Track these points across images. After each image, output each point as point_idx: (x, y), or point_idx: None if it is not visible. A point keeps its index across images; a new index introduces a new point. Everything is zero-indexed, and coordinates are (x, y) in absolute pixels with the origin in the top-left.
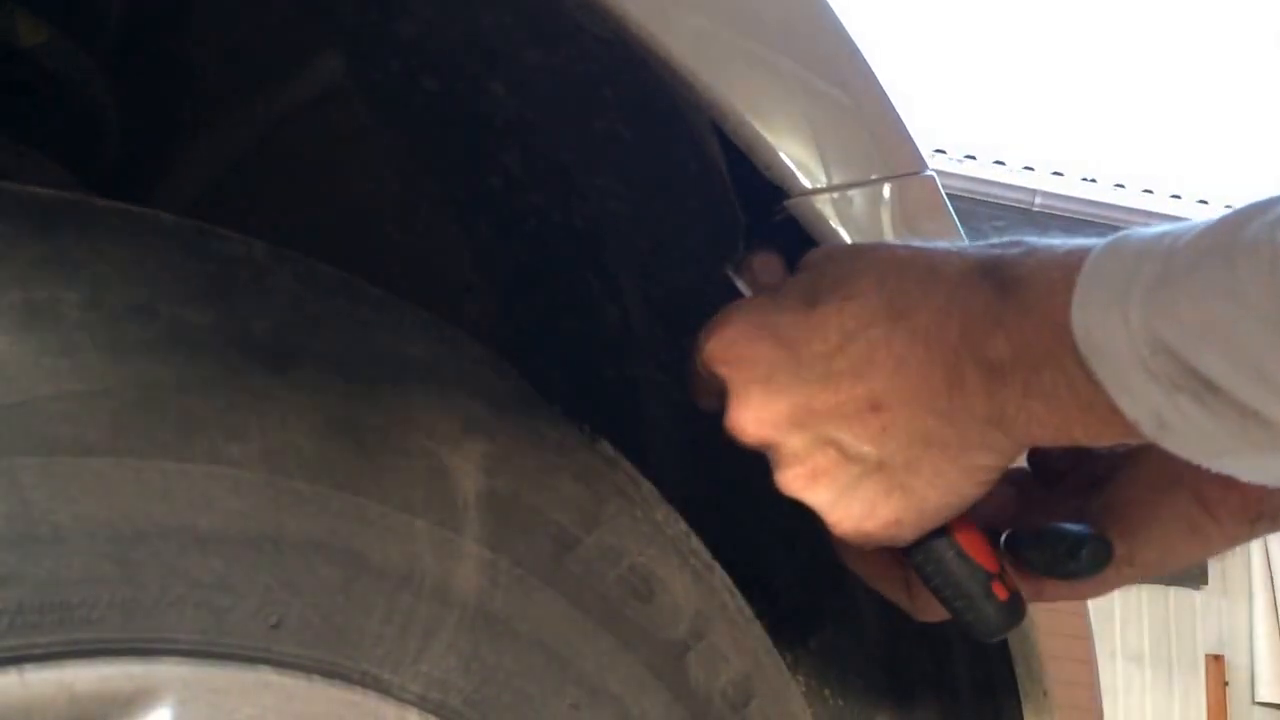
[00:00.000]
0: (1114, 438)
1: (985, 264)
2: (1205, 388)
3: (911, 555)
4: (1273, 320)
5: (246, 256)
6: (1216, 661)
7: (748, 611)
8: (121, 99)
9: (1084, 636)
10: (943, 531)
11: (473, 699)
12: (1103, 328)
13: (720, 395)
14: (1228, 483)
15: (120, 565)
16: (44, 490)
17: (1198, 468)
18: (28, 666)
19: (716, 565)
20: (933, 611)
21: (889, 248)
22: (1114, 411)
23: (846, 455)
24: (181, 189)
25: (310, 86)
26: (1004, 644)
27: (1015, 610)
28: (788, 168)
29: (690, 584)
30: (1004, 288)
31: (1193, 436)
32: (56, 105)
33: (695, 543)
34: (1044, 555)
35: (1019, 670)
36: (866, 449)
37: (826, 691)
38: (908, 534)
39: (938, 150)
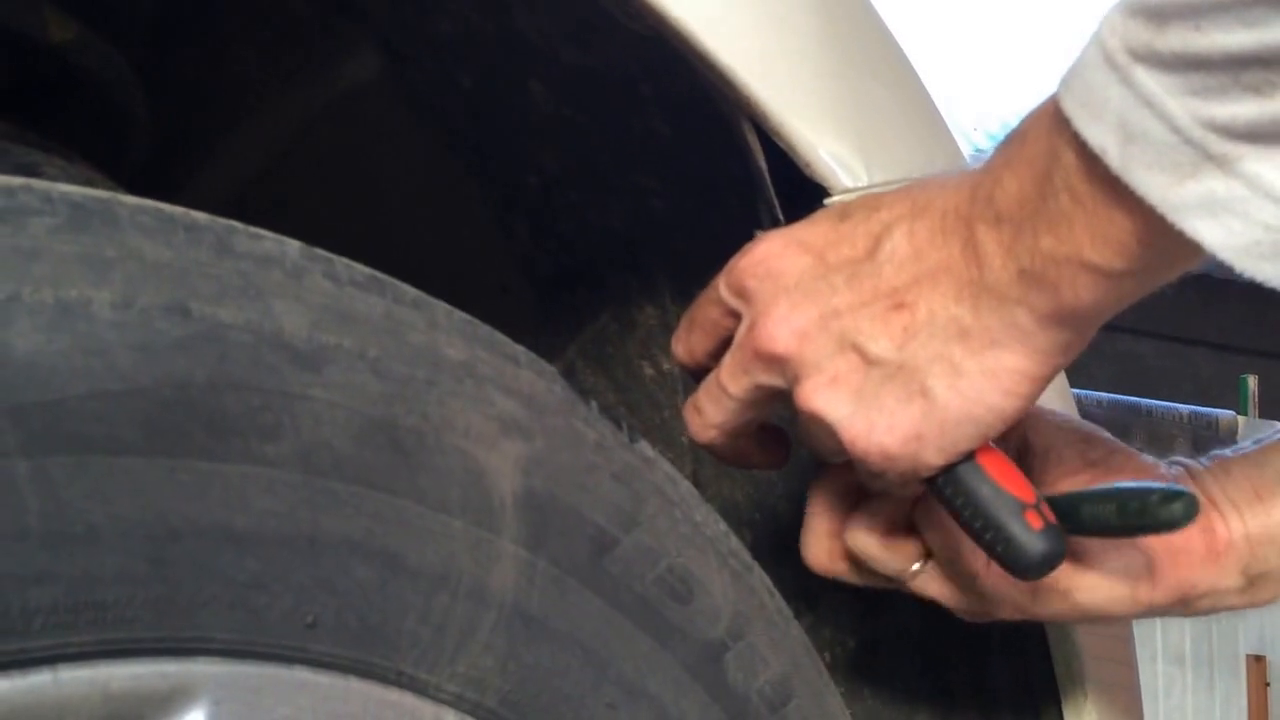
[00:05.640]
0: (1119, 249)
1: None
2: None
3: (937, 486)
4: None
5: (280, 255)
6: (1258, 662)
7: (787, 612)
8: (152, 96)
9: (1124, 638)
10: (969, 458)
11: (509, 699)
12: (1078, 63)
13: (723, 340)
14: (1175, 559)
15: (154, 564)
16: (77, 489)
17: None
18: (61, 665)
19: (756, 565)
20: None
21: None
22: (1114, 205)
23: (867, 359)
24: (214, 187)
25: (345, 83)
26: (1044, 645)
27: (1052, 543)
28: (828, 165)
29: (729, 584)
30: (1008, 138)
31: (1156, 142)
32: (86, 102)
33: (734, 543)
34: (1124, 508)
35: (1059, 671)
36: (888, 351)
37: (865, 692)
38: (930, 454)
39: (979, 150)
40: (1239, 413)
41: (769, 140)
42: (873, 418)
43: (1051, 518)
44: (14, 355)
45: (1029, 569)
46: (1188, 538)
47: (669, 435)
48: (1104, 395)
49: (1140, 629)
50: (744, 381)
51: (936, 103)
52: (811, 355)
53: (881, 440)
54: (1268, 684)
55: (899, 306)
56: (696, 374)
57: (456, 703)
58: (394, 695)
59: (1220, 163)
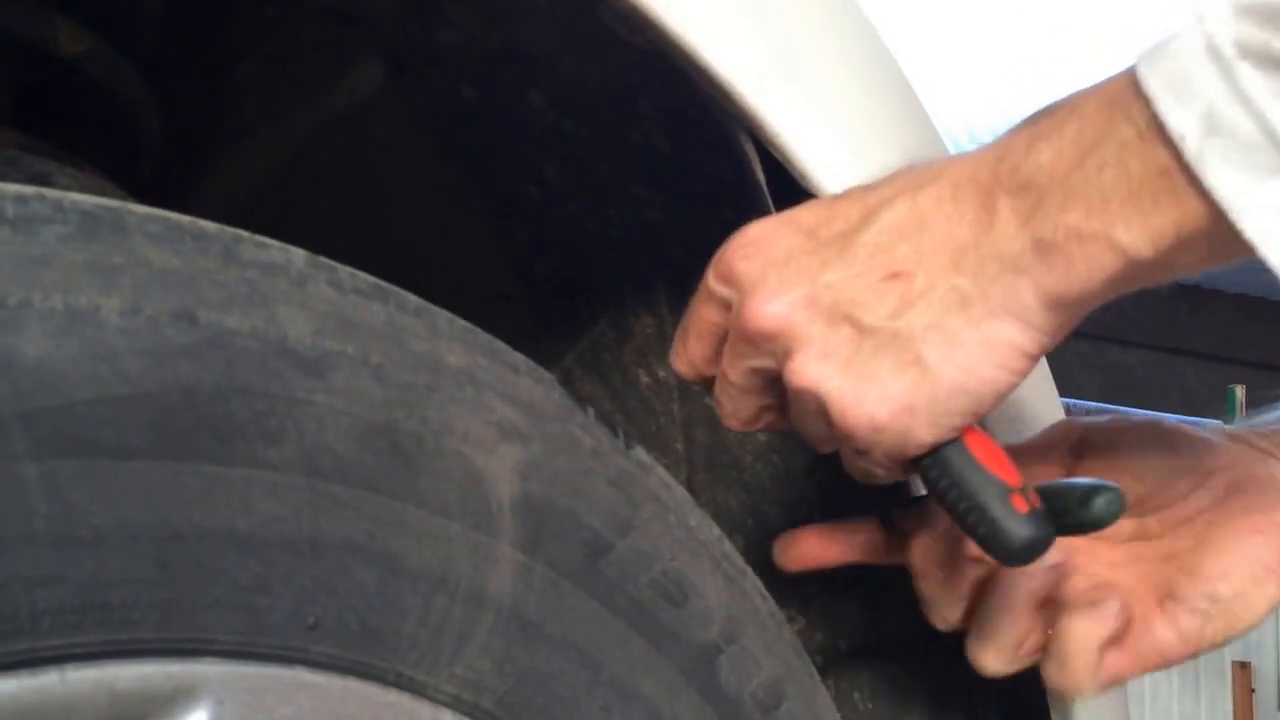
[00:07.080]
0: (1155, 236)
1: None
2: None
3: (923, 466)
4: None
5: (286, 263)
6: (1243, 669)
7: (779, 616)
8: (162, 106)
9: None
10: (956, 440)
11: (506, 700)
12: (1168, 46)
13: (720, 341)
14: None
15: (160, 567)
16: (85, 493)
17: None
18: (68, 665)
19: (749, 570)
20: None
21: None
22: (1167, 190)
23: (861, 330)
24: (221, 196)
25: (350, 95)
26: None
27: (1037, 528)
28: (825, 178)
29: (723, 588)
30: (1041, 114)
31: (1243, 139)
32: (97, 113)
33: (728, 548)
34: (1050, 507)
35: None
36: (882, 320)
37: (856, 695)
38: (920, 428)
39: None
40: (1226, 423)
41: (767, 153)
42: (864, 389)
43: (1038, 503)
44: (24, 360)
45: (1013, 554)
46: None
47: (664, 442)
48: (1092, 405)
49: None
50: (740, 367)
51: (929, 113)
52: (803, 330)
53: (872, 412)
54: (1253, 690)
55: (895, 276)
56: (705, 385)
57: (454, 704)
58: (392, 696)
59: None
